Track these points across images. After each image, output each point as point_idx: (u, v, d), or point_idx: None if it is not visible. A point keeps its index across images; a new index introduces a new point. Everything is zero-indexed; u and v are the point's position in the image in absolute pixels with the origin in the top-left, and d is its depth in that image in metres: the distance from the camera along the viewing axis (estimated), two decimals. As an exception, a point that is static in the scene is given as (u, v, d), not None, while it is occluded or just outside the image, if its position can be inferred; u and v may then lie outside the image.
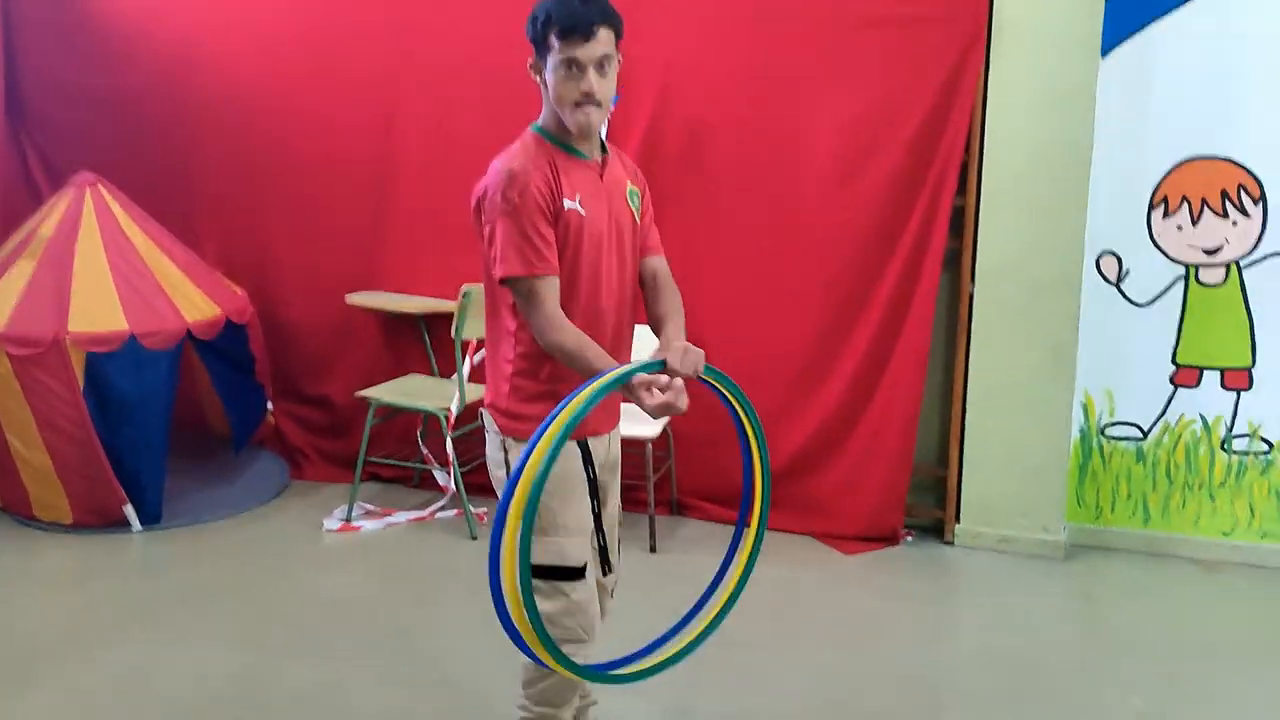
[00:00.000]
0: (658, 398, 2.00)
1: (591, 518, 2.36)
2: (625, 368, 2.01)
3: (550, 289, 2.16)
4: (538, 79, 2.22)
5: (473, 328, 4.23)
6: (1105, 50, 3.95)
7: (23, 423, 4.05)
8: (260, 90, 4.85)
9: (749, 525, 2.25)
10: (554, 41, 2.12)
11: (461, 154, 4.54)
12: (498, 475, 2.35)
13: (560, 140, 2.23)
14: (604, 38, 2.13)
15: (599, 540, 2.41)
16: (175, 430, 4.40)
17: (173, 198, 4.91)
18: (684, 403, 2.02)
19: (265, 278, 4.92)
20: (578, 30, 2.10)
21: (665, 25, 4.19)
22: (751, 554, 2.24)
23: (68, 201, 4.35)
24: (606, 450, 2.42)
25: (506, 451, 2.32)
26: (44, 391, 3.99)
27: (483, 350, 4.52)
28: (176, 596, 3.72)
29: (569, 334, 2.14)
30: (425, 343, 4.78)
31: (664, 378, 2.02)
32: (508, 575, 1.92)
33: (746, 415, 2.14)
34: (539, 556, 2.27)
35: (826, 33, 4.12)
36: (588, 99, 2.14)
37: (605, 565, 2.46)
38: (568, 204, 2.18)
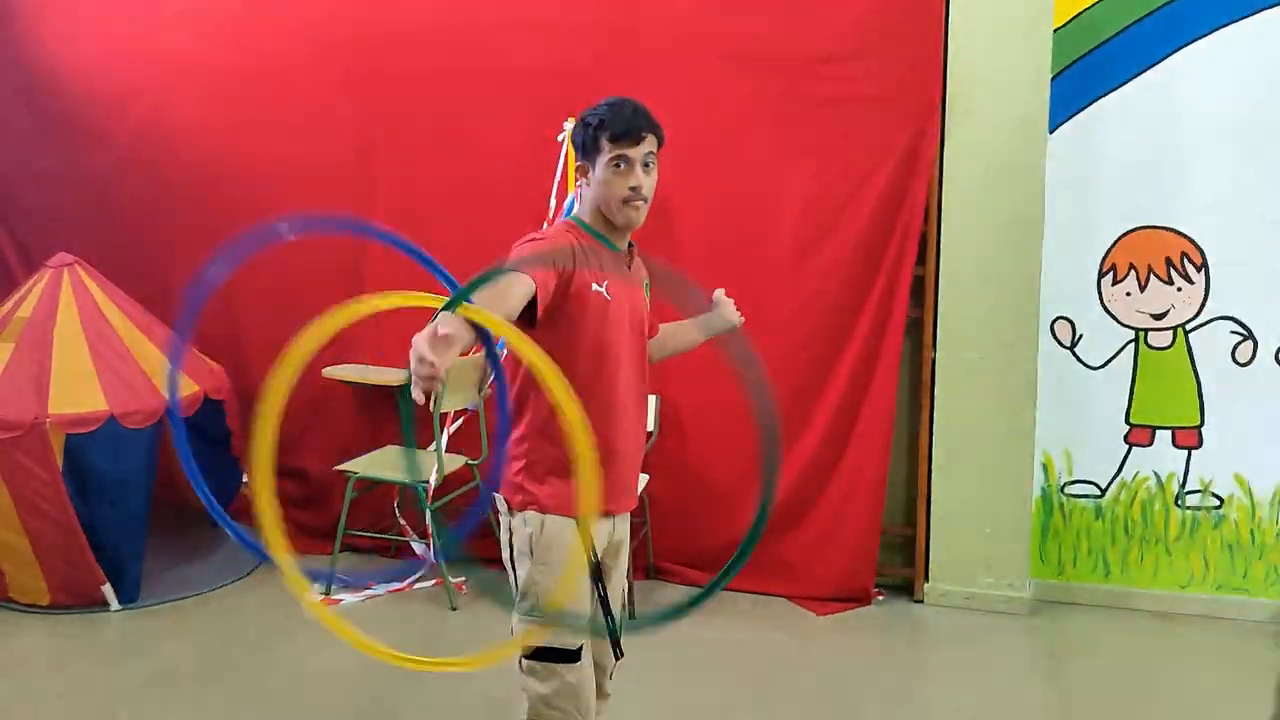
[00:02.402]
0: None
1: (589, 599, 2.36)
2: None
3: (508, 279, 2.11)
4: (581, 181, 2.38)
5: (451, 400, 4.30)
6: (1053, 126, 4.15)
7: (1, 506, 4.05)
8: (230, 165, 4.94)
9: None
10: (604, 144, 2.30)
11: (431, 228, 4.61)
12: (505, 555, 2.41)
13: (595, 230, 2.38)
14: (650, 141, 2.34)
15: (608, 624, 2.39)
16: (151, 506, 4.40)
17: (148, 276, 4.95)
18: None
19: (240, 353, 4.96)
20: (629, 135, 2.30)
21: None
22: None
23: (45, 283, 4.39)
24: (611, 532, 2.44)
25: (512, 532, 2.37)
26: (23, 474, 3.99)
27: (459, 421, 4.62)
28: (159, 678, 3.72)
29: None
30: (400, 414, 4.84)
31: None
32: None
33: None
34: (534, 637, 2.33)
35: (788, 112, 4.29)
36: (635, 193, 2.31)
37: (617, 648, 2.43)
38: (595, 286, 2.30)
